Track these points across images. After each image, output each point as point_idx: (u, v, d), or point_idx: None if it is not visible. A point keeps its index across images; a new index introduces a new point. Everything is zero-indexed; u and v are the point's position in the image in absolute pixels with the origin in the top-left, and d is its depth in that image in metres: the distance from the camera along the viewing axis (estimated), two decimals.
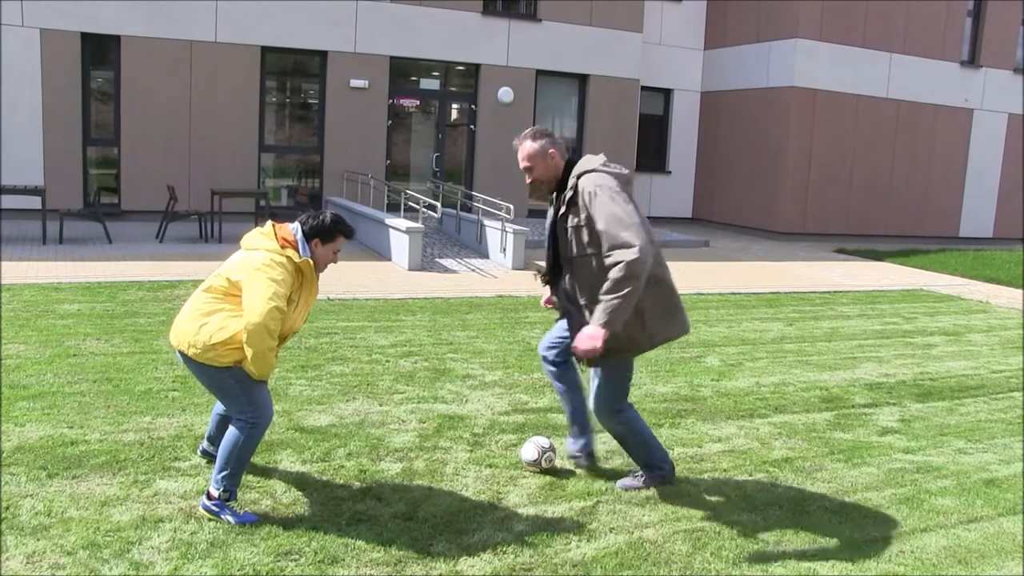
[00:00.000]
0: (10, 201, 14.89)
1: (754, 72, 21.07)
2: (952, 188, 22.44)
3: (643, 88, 21.35)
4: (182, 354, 4.41)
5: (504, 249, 13.81)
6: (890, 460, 5.76)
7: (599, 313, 4.26)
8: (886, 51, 20.81)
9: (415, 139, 19.92)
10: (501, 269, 13.42)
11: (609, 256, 4.29)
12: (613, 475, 5.18)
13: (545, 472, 5.17)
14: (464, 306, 10.30)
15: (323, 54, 18.14)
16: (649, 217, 21.79)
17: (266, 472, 4.98)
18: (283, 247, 4.34)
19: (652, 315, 4.55)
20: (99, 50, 16.84)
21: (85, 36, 16.50)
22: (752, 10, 21.13)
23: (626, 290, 4.22)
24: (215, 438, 4.91)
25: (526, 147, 4.59)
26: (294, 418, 5.94)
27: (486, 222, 14.77)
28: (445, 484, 4.94)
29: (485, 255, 14.55)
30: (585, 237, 4.45)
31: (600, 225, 4.33)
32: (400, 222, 13.39)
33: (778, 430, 6.24)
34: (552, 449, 5.19)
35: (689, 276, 13.59)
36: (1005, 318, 11.68)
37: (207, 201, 15.80)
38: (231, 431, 4.40)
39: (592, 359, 4.59)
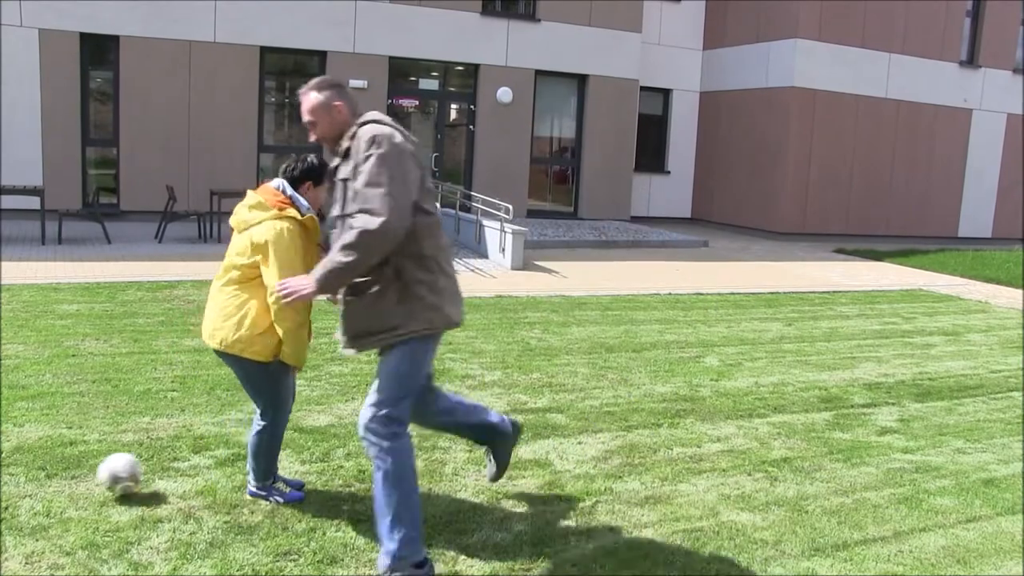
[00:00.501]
0: (9, 201, 14.88)
1: (753, 72, 21.09)
2: (951, 188, 22.45)
3: (642, 88, 21.35)
4: (220, 352, 4.34)
5: (503, 249, 13.81)
6: (889, 460, 5.77)
7: (318, 267, 3.76)
8: (885, 51, 20.82)
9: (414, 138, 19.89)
10: (500, 269, 13.42)
11: (354, 218, 3.68)
12: (611, 474, 5.19)
13: (542, 472, 5.17)
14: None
15: (322, 54, 18.14)
16: (648, 218, 21.92)
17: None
18: (280, 210, 4.23)
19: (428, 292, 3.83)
20: (98, 50, 16.83)
21: (84, 36, 16.48)
22: (751, 10, 21.14)
23: (350, 259, 3.63)
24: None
25: (309, 99, 3.95)
26: (293, 418, 5.93)
27: (485, 222, 14.77)
28: (444, 484, 4.94)
29: (484, 255, 14.55)
30: (351, 192, 3.77)
31: (359, 180, 3.67)
32: None
33: (777, 430, 6.25)
34: (132, 479, 4.55)
35: (688, 276, 13.60)
36: (1004, 318, 11.68)
37: (206, 201, 15.80)
38: (256, 431, 4.50)
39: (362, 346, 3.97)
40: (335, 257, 3.66)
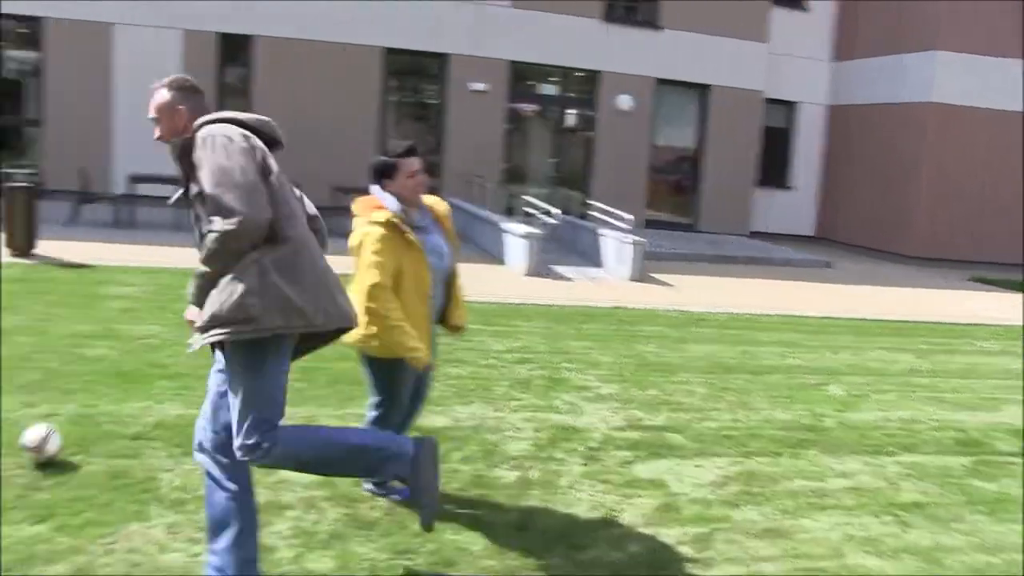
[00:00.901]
0: (151, 189, 15.47)
1: (887, 85, 20.27)
2: None
3: (767, 100, 20.94)
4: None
5: (621, 259, 13.75)
6: None
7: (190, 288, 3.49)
8: None
9: (533, 144, 20.01)
10: (617, 279, 13.37)
11: (210, 224, 3.33)
12: (728, 501, 5.11)
13: (658, 493, 5.13)
14: (579, 315, 10.30)
15: (444, 57, 18.38)
16: (768, 234, 21.46)
17: None
18: (367, 215, 4.26)
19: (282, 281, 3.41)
20: (234, 50, 17.42)
21: (222, 36, 17.10)
22: (886, 19, 20.32)
23: (211, 269, 3.37)
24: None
25: (156, 96, 3.70)
26: None
27: (603, 231, 14.73)
28: (559, 497, 4.95)
29: (601, 264, 14.51)
30: (202, 208, 3.47)
31: (205, 185, 3.34)
32: (517, 227, 13.47)
33: (907, 470, 5.97)
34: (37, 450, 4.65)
35: (809, 298, 13.29)
36: None
37: (328, 197, 16.13)
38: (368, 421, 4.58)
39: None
40: (198, 272, 3.41)
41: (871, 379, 8.50)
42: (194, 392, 6.12)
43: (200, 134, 3.46)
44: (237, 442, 3.43)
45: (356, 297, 4.17)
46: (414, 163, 4.24)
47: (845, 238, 21.48)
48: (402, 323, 4.15)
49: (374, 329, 4.17)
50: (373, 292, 4.13)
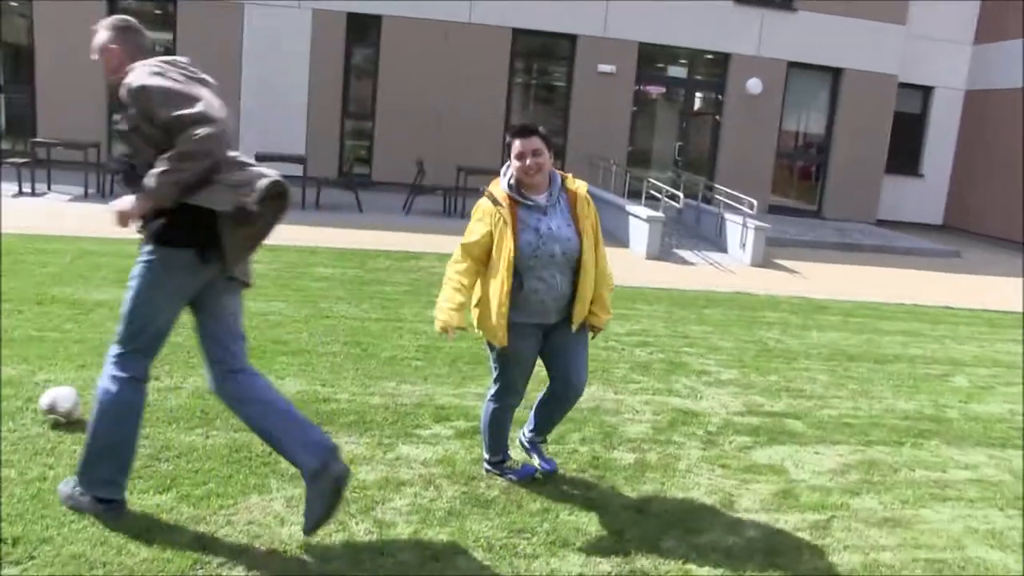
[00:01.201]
0: (274, 167, 15.90)
1: None
2: None
3: (900, 84, 20.19)
4: None
5: (744, 244, 13.52)
6: None
7: (147, 178, 3.53)
8: None
9: (659, 127, 19.82)
10: (740, 265, 13.15)
11: (184, 133, 3.46)
12: (848, 489, 4.99)
13: (777, 479, 5.05)
14: (701, 300, 10.17)
15: (572, 38, 18.33)
16: (896, 222, 20.78)
17: None
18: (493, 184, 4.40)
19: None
20: (362, 29, 17.76)
21: (350, 16, 17.45)
22: None
23: (188, 165, 3.47)
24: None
25: (96, 36, 3.77)
26: (530, 398, 6.03)
27: (727, 215, 14.50)
28: (677, 480, 4.92)
29: (723, 249, 14.29)
30: (139, 142, 3.58)
31: (160, 112, 3.47)
32: (641, 210, 13.37)
33: None
34: (66, 414, 4.86)
35: (937, 288, 12.82)
36: None
37: (452, 177, 16.36)
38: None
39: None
40: (165, 167, 3.46)
41: (997, 371, 8.16)
42: (314, 369, 6.30)
43: (130, 79, 3.55)
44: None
45: None
46: (517, 145, 4.21)
47: (976, 228, 20.60)
48: (451, 285, 4.24)
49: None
50: (456, 252, 4.30)
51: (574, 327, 4.38)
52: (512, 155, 4.23)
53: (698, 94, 19.86)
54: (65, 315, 7.13)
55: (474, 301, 4.37)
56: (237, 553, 3.73)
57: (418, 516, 4.21)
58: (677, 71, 19.60)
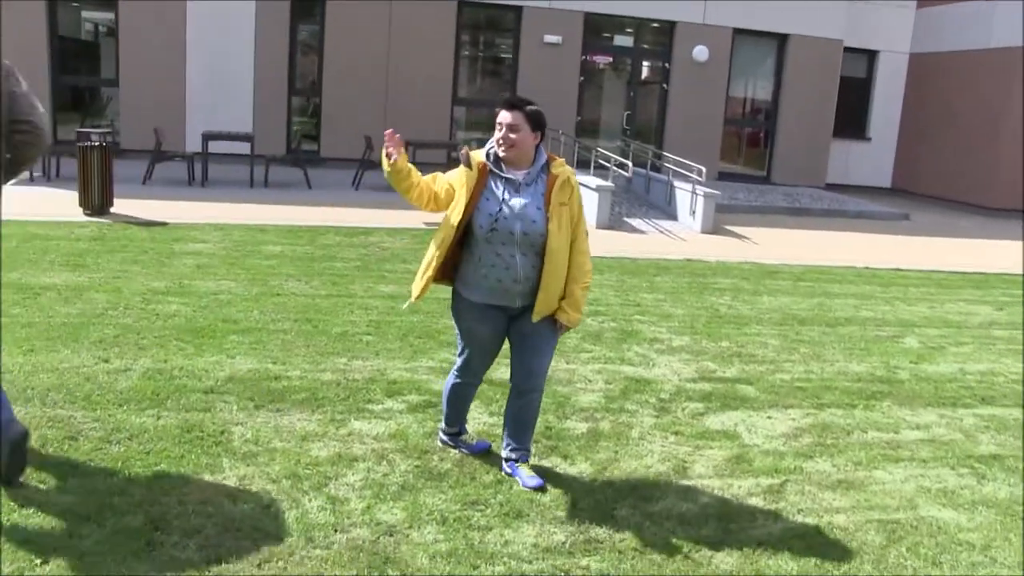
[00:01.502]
0: (222, 146, 15.69)
1: (974, 32, 19.58)
2: None
3: (845, 49, 20.31)
4: None
5: (693, 212, 13.57)
6: None
7: None
8: None
9: (606, 96, 19.77)
10: (690, 232, 13.21)
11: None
12: (801, 453, 5.04)
13: (730, 445, 5.08)
14: (652, 268, 10.20)
15: (518, 9, 18.19)
16: (845, 186, 21.01)
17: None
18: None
19: None
20: (307, 5, 17.48)
21: None
22: None
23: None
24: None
25: None
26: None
27: (676, 183, 14.54)
28: (630, 448, 4.93)
29: (674, 217, 14.34)
30: None
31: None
32: (590, 180, 13.35)
33: (985, 423, 5.85)
34: None
35: (887, 250, 12.98)
36: None
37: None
38: None
39: None
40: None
41: (948, 331, 8.29)
42: (265, 347, 6.23)
43: None
44: None
45: None
46: (502, 116, 4.08)
47: (924, 190, 20.87)
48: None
49: None
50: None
51: (535, 317, 4.19)
52: (496, 125, 4.13)
53: (645, 63, 19.83)
54: (12, 299, 6.97)
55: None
56: (190, 532, 3.68)
57: (371, 491, 4.17)
58: (623, 40, 19.54)
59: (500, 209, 4.08)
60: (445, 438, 4.74)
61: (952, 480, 4.87)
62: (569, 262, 4.17)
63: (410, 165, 4.14)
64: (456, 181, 4.17)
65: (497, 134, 4.10)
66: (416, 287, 4.35)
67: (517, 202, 4.09)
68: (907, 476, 4.86)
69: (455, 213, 4.13)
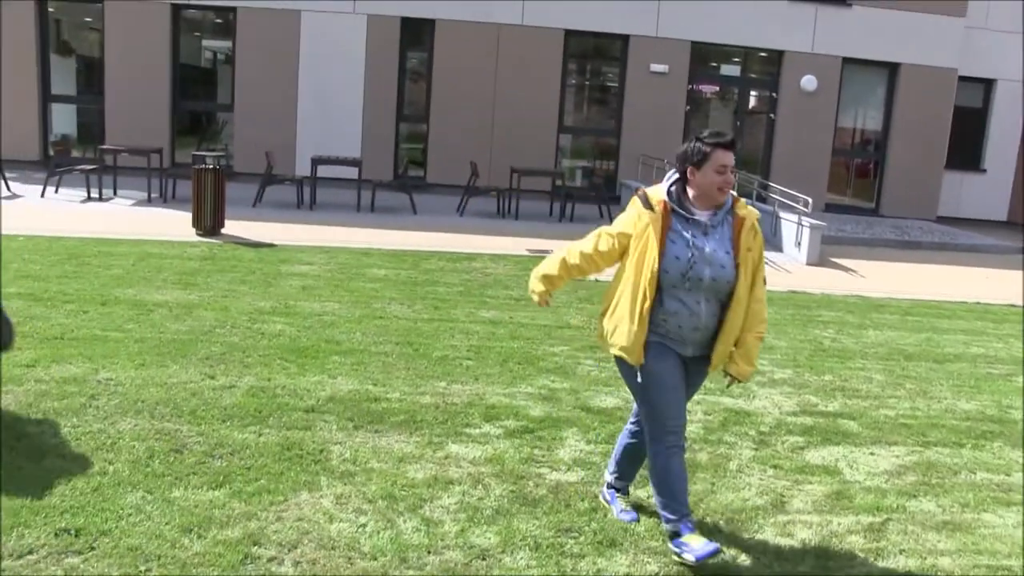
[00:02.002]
0: (331, 171, 16.12)
1: None
2: None
3: (960, 78, 19.73)
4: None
5: (799, 243, 13.33)
6: None
7: None
8: None
9: (712, 125, 19.59)
10: (795, 264, 12.97)
11: None
12: (905, 491, 4.89)
13: (831, 480, 4.96)
14: None
15: (625, 38, 18.26)
16: (957, 219, 20.36)
17: (551, 448, 5.11)
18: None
19: None
20: (415, 33, 17.87)
21: (404, 20, 17.58)
22: None
23: None
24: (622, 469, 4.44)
25: None
26: (581, 397, 6.06)
27: (782, 214, 14.32)
28: (728, 480, 4.86)
29: (779, 248, 14.11)
30: None
31: None
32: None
33: None
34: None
35: (1000, 285, 12.52)
36: None
37: (506, 178, 16.38)
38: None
39: None
40: None
41: None
42: (366, 368, 6.35)
43: None
44: None
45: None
46: (727, 157, 3.77)
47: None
48: (562, 255, 4.10)
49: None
50: (594, 233, 4.03)
51: (712, 369, 3.96)
52: (714, 167, 3.76)
53: (752, 92, 19.65)
54: (127, 315, 7.29)
55: (607, 311, 4.01)
56: (286, 548, 3.77)
57: (466, 514, 4.21)
58: (730, 69, 19.41)
59: (690, 253, 3.78)
60: (672, 540, 3.95)
61: None
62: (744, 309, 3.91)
63: (561, 273, 4.10)
64: (631, 226, 3.87)
65: (722, 176, 3.76)
66: (634, 347, 3.83)
67: (706, 246, 3.80)
68: (1019, 521, 4.66)
69: (650, 259, 3.78)
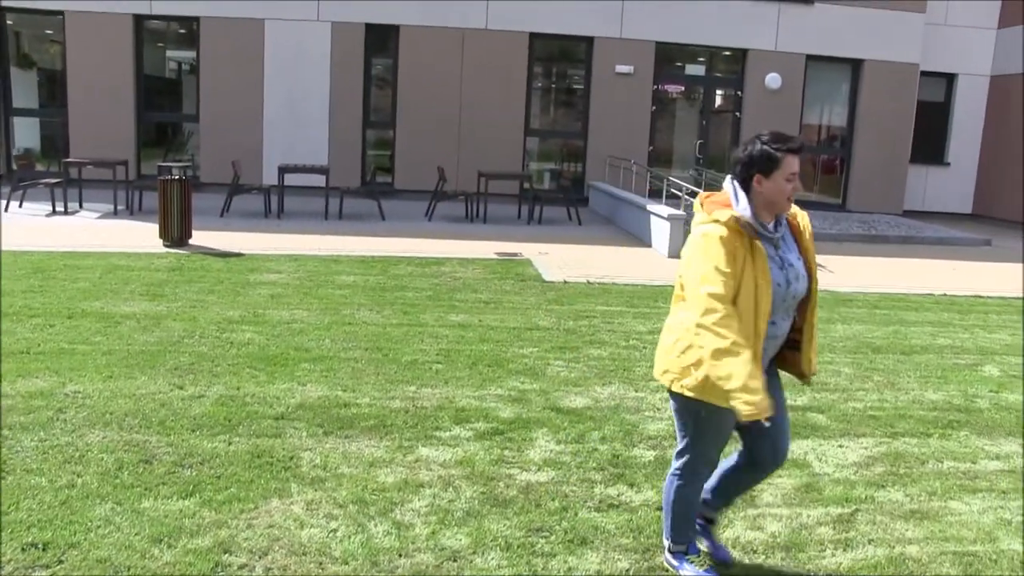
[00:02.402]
0: (298, 179, 16.06)
1: None
2: None
3: (922, 73, 19.96)
4: (668, 390, 3.63)
5: None
6: None
7: None
8: None
9: (678, 125, 19.75)
10: None
11: None
12: (873, 482, 4.94)
13: (800, 473, 5.00)
14: None
15: (590, 40, 18.31)
16: (923, 212, 20.58)
17: (521, 449, 5.12)
18: (710, 212, 3.44)
19: None
20: (380, 39, 17.85)
21: (369, 27, 17.55)
22: None
23: None
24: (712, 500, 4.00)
25: None
26: (551, 398, 6.07)
27: None
28: None
29: None
30: None
31: None
32: (662, 209, 13.32)
33: None
34: None
35: (966, 277, 12.67)
36: None
37: (474, 182, 16.38)
38: (669, 475, 3.80)
39: None
40: None
41: None
42: (336, 374, 6.33)
43: None
44: None
45: (678, 315, 3.56)
46: (796, 163, 3.40)
47: (1006, 215, 20.30)
48: (741, 349, 3.21)
49: (696, 356, 3.40)
50: (710, 303, 3.26)
51: (811, 376, 3.71)
52: (785, 174, 3.39)
53: (717, 91, 19.76)
54: (94, 328, 7.23)
55: (695, 355, 3.43)
56: (257, 556, 3.76)
57: (436, 517, 4.21)
58: (695, 69, 19.52)
59: (784, 273, 3.45)
60: (671, 556, 3.86)
61: None
62: None
63: (755, 364, 3.28)
64: (732, 258, 3.33)
65: (791, 184, 3.39)
66: (756, 391, 3.19)
67: (791, 260, 3.51)
68: (985, 507, 4.72)
69: (763, 293, 3.36)
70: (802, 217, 3.63)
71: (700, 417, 3.54)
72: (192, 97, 17.98)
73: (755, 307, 3.35)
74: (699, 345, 3.32)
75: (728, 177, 3.53)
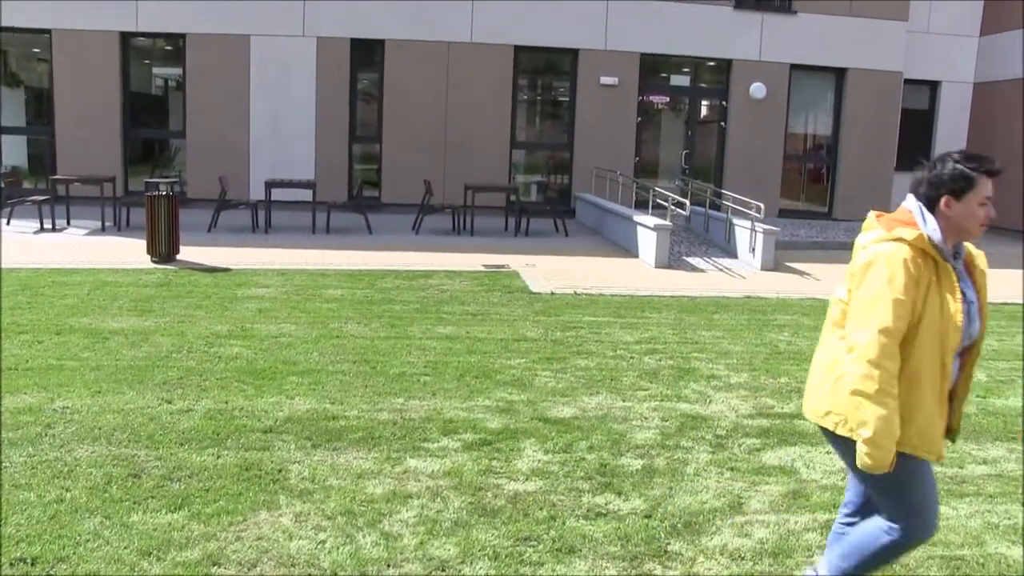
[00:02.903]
0: (285, 194, 16.05)
1: None
2: None
3: (906, 81, 20.10)
4: (822, 429, 3.27)
5: (753, 249, 13.49)
6: None
7: None
8: None
9: (664, 136, 19.82)
10: (750, 269, 13.12)
11: None
12: None
13: (788, 480, 5.02)
14: (711, 306, 10.15)
15: (574, 52, 18.38)
16: None
17: (509, 459, 5.12)
18: (890, 229, 3.06)
19: None
20: (365, 54, 17.89)
21: (354, 42, 17.60)
22: None
23: None
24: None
25: None
26: (539, 408, 6.08)
27: (735, 221, 14.47)
28: (685, 484, 4.90)
29: (734, 255, 14.26)
30: None
31: None
32: (648, 219, 13.37)
33: None
34: None
35: None
36: None
37: (460, 195, 16.41)
38: (869, 525, 3.34)
39: None
40: None
41: (1017, 364, 8.09)
42: (324, 387, 6.33)
43: None
44: None
45: (836, 345, 3.21)
46: (988, 186, 3.07)
47: (992, 221, 20.35)
48: (887, 400, 2.90)
49: (861, 399, 2.94)
50: (875, 336, 2.93)
51: (957, 432, 3.32)
52: (975, 196, 3.05)
53: (703, 102, 19.85)
54: (82, 344, 7.22)
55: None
56: (246, 567, 3.76)
57: (424, 527, 4.21)
58: (680, 80, 19.61)
59: (967, 308, 3.07)
60: None
61: (1021, 516, 4.73)
62: None
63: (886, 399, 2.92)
64: (914, 283, 2.97)
65: (980, 211, 3.05)
66: (936, 437, 3.07)
67: (967, 294, 3.12)
68: (972, 512, 4.74)
69: (952, 327, 2.98)
70: (979, 257, 3.22)
71: (895, 476, 3.07)
72: (179, 113, 17.98)
73: (941, 338, 2.97)
74: (853, 381, 2.95)
75: (910, 196, 3.17)
